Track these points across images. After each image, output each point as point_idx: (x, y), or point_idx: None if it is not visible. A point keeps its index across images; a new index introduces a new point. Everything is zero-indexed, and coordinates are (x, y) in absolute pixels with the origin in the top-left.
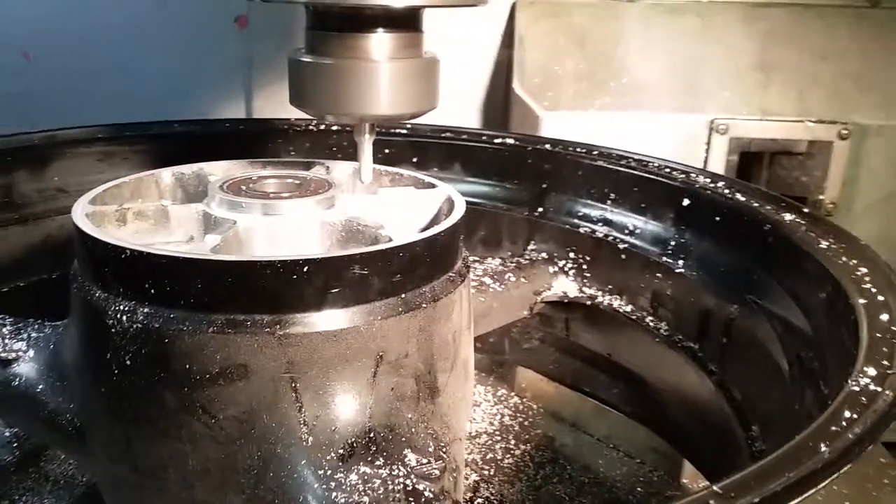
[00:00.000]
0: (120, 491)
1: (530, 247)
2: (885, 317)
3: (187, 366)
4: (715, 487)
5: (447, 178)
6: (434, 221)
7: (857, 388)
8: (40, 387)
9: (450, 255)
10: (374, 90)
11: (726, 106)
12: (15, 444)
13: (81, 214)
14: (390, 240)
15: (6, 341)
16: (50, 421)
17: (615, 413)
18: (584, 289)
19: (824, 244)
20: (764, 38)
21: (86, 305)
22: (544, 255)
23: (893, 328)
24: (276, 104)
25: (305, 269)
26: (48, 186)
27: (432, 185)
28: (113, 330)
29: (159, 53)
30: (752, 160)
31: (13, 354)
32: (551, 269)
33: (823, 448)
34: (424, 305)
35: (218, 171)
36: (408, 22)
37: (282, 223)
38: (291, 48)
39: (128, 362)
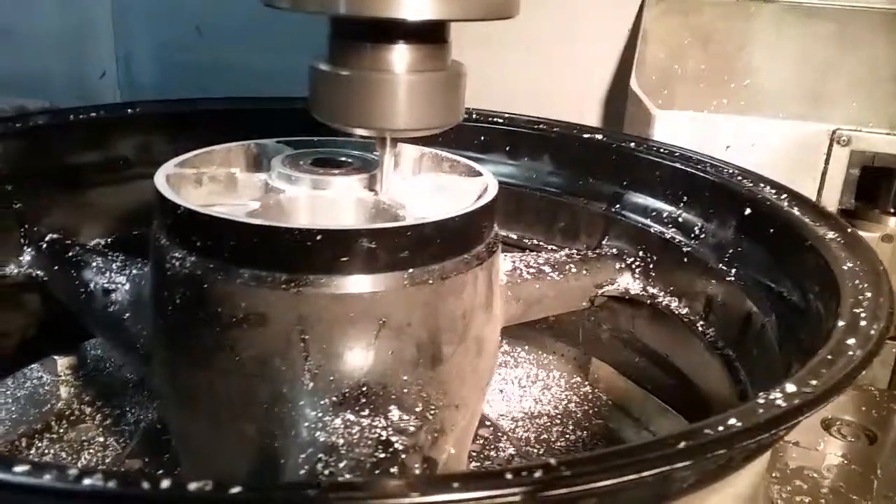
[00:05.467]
0: (169, 410)
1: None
2: None
3: (219, 309)
4: None
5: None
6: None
7: None
8: (126, 315)
9: (463, 239)
10: (395, 104)
11: (853, 116)
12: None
13: (163, 174)
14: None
15: (112, 275)
16: (127, 343)
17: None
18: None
19: None
20: None
21: (155, 251)
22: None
23: None
24: None
25: (318, 238)
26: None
27: (479, 174)
28: (169, 273)
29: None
30: (878, 176)
31: (113, 286)
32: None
33: None
34: (431, 282)
35: (298, 146)
36: (431, 34)
37: (322, 196)
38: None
39: (177, 301)
